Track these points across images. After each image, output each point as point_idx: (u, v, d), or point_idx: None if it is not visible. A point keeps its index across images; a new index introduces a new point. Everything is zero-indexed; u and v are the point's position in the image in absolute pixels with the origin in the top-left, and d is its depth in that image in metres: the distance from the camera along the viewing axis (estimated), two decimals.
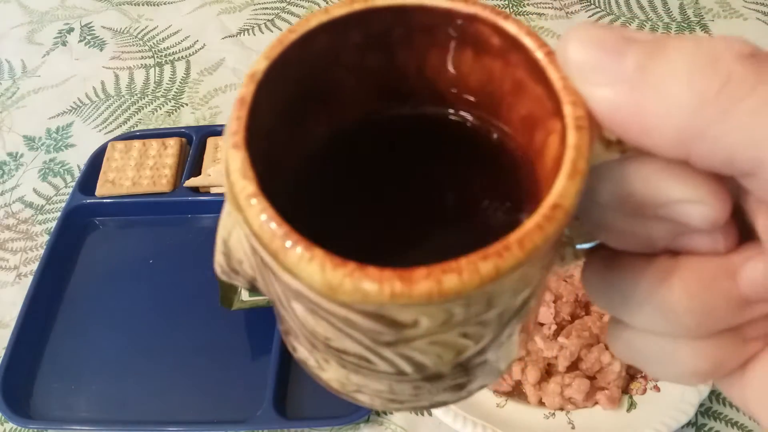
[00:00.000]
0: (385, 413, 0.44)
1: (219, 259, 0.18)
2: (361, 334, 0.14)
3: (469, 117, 0.18)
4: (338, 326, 0.14)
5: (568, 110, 0.14)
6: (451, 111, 0.18)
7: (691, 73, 0.13)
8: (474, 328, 0.15)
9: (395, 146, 0.18)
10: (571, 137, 0.14)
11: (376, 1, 0.16)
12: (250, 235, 0.14)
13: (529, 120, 0.16)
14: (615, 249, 0.17)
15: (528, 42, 0.15)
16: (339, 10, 0.15)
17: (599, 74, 0.14)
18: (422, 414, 0.44)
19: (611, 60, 0.14)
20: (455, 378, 0.17)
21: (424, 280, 0.12)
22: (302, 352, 0.18)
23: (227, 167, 0.14)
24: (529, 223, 0.13)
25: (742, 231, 0.15)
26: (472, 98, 0.17)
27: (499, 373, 0.18)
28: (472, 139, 0.18)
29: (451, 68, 0.17)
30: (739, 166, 0.13)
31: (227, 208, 0.17)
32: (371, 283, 0.12)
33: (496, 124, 0.17)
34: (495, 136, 0.17)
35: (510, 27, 0.15)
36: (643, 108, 0.13)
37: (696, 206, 0.14)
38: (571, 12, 0.74)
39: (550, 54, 0.15)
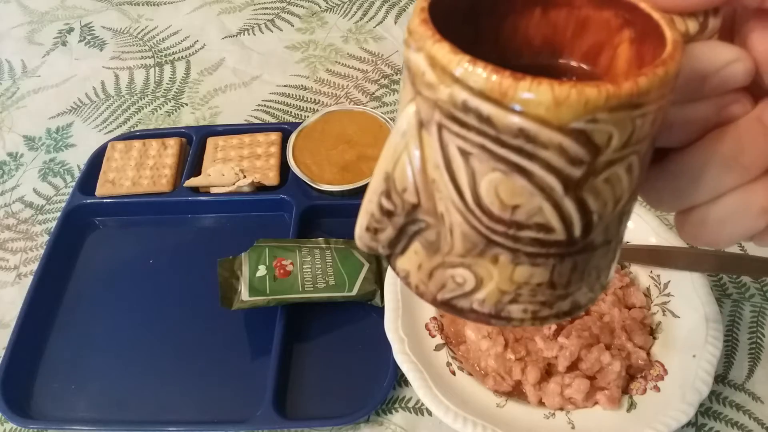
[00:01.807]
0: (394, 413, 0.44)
1: (371, 206, 0.21)
2: (557, 179, 0.18)
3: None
4: (538, 176, 0.17)
5: (643, 5, 0.20)
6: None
7: None
8: (635, 158, 0.18)
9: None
10: (656, 15, 0.19)
11: None
12: (472, 97, 0.17)
13: (594, 48, 0.21)
14: (672, 149, 0.22)
15: None
16: None
17: None
18: (422, 414, 0.44)
19: None
20: (599, 256, 0.21)
21: (626, 82, 0.16)
22: (459, 276, 0.21)
23: (433, 60, 0.17)
24: (668, 50, 0.18)
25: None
26: (534, 52, 0.22)
27: (609, 273, 0.22)
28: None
29: (522, 29, 0.22)
30: None
31: (397, 135, 0.19)
32: (591, 89, 0.16)
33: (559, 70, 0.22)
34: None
35: None
36: None
37: (738, 64, 0.20)
38: None
39: None
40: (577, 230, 0.19)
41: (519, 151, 0.17)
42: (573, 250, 0.20)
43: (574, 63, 0.22)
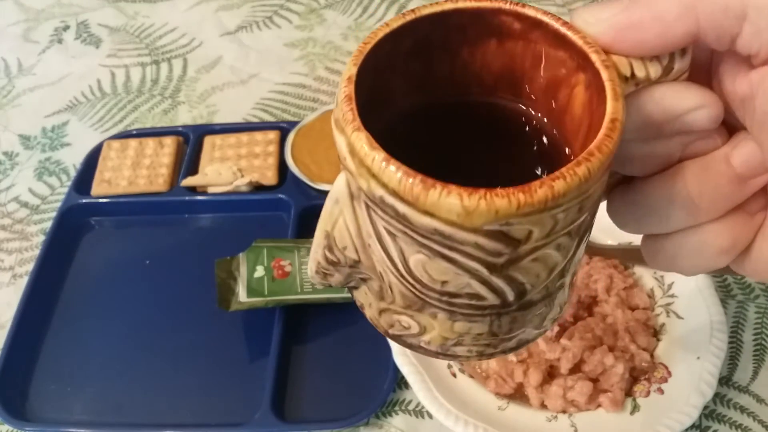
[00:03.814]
0: (388, 417, 0.44)
1: (317, 255, 0.21)
2: (480, 264, 0.17)
3: (501, 100, 0.22)
4: (461, 262, 0.17)
5: (594, 57, 0.18)
6: (487, 95, 0.22)
7: None
8: (565, 239, 0.18)
9: (449, 124, 0.22)
10: (604, 74, 0.18)
11: (422, 11, 0.19)
12: (386, 195, 0.17)
13: (553, 82, 0.20)
14: (635, 176, 0.21)
15: (546, 19, 0.19)
16: (396, 22, 0.19)
17: (604, 16, 0.18)
18: (422, 417, 0.44)
19: (609, 5, 0.18)
20: (540, 306, 0.21)
21: (540, 189, 0.16)
22: (405, 321, 0.21)
23: (352, 148, 0.17)
24: (600, 135, 0.17)
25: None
26: (494, 80, 0.22)
27: (559, 309, 0.22)
28: (506, 113, 0.22)
29: (479, 58, 0.21)
30: (732, 11, 0.17)
31: (331, 201, 0.20)
32: (501, 199, 0.16)
33: (520, 99, 0.22)
34: (527, 111, 0.22)
35: (529, 12, 0.19)
36: (648, 11, 0.18)
37: (702, 110, 0.19)
38: (573, 9, 0.73)
39: (566, 24, 0.19)
40: (511, 297, 0.19)
41: (439, 243, 0.17)
42: (510, 310, 0.20)
43: (525, 105, 0.22)
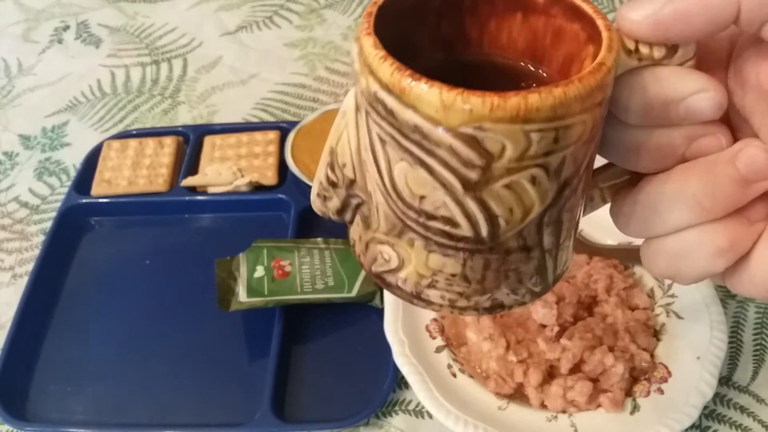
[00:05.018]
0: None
1: (320, 175, 0.23)
2: (455, 178, 0.19)
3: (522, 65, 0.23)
4: (437, 171, 0.19)
5: (599, 23, 0.19)
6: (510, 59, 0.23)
7: None
8: (540, 173, 0.19)
9: (468, 78, 0.23)
10: (605, 34, 0.19)
11: None
12: (379, 89, 0.18)
13: (567, 58, 0.21)
14: (639, 174, 0.22)
15: None
16: None
17: (649, 10, 0.19)
18: (422, 417, 0.44)
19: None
20: (516, 260, 0.21)
21: (514, 97, 0.17)
22: (386, 253, 0.23)
23: (360, 50, 0.19)
24: (585, 70, 0.18)
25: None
26: (518, 56, 0.23)
27: (538, 280, 0.23)
28: (525, 72, 0.23)
29: (505, 32, 0.22)
30: None
31: (339, 116, 0.22)
32: (476, 98, 0.17)
33: (539, 69, 0.23)
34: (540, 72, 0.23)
35: None
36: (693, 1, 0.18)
37: (705, 94, 0.19)
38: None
39: None
40: (484, 230, 0.20)
41: (419, 145, 0.18)
42: (482, 248, 0.21)
43: (547, 72, 0.23)
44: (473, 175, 0.19)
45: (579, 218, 0.23)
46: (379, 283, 0.24)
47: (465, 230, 0.20)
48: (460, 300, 0.23)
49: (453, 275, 0.22)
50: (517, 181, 0.19)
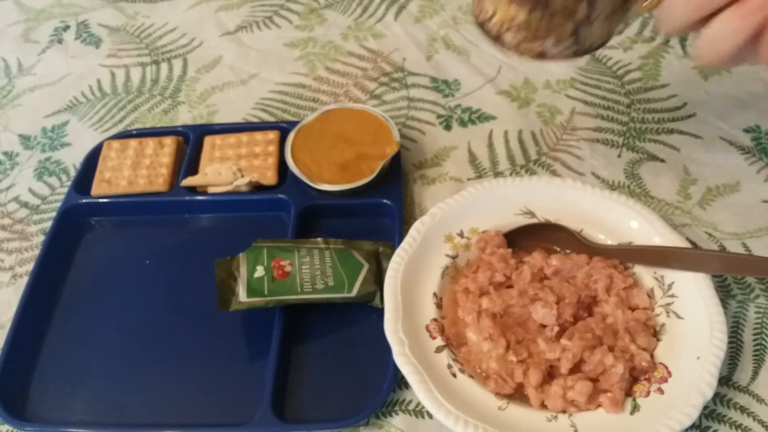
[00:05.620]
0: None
1: None
2: None
3: None
4: None
5: None
6: None
7: None
8: None
9: None
10: None
11: None
12: None
13: None
14: None
15: None
16: None
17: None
18: (422, 417, 0.44)
19: None
20: (563, 19, 0.35)
21: None
22: (486, 7, 0.36)
23: None
24: None
25: None
26: None
27: (589, 43, 0.37)
28: None
29: None
30: None
31: None
32: None
33: None
34: None
35: None
36: None
37: None
38: None
39: None
40: None
41: None
42: (541, 3, 0.34)
43: None
44: None
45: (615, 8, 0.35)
46: (481, 30, 0.37)
47: None
48: (523, 43, 0.35)
49: (520, 25, 0.35)
50: None
